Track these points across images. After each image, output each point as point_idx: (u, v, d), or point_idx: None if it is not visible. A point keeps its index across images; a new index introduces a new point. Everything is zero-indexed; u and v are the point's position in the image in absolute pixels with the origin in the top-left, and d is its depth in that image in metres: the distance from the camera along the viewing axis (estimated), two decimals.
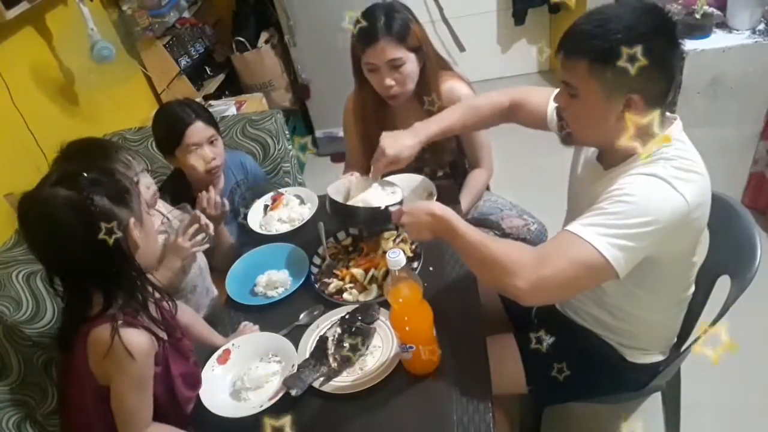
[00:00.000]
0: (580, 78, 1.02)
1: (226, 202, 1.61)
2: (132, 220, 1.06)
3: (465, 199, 1.72)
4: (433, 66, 1.65)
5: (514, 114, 1.44)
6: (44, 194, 1.01)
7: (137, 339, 1.03)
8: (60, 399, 1.30)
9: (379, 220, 1.29)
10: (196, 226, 1.45)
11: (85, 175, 1.02)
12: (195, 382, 1.21)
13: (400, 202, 1.30)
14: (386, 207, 1.25)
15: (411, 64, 1.59)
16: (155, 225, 1.18)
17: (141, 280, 1.10)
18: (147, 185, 1.47)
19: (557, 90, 1.31)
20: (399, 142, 1.40)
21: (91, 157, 1.38)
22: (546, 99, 1.35)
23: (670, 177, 0.99)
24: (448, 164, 1.82)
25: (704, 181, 1.04)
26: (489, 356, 1.17)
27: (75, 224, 1.00)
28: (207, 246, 1.50)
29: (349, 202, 1.40)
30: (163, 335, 1.14)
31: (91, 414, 1.12)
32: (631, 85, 0.98)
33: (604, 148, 1.14)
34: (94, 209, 1.00)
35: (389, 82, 1.58)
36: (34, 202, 1.01)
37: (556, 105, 1.15)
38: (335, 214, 1.38)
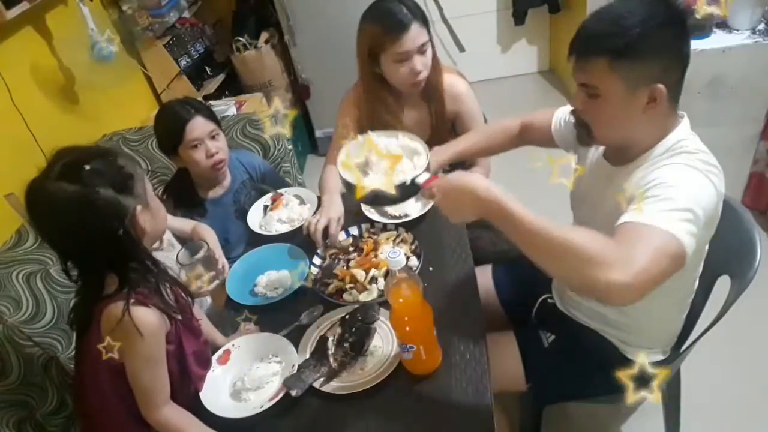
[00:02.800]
0: (600, 77, 1.02)
1: (226, 268, 1.47)
2: (138, 207, 1.07)
3: None
4: (436, 56, 1.68)
5: (524, 137, 1.46)
6: (49, 188, 1.01)
7: (147, 318, 1.06)
8: (75, 382, 1.29)
9: (409, 194, 1.10)
10: (212, 273, 1.38)
11: (87, 167, 1.02)
12: (206, 360, 1.25)
13: (427, 168, 1.10)
14: (412, 180, 1.06)
15: (431, 48, 1.62)
16: (160, 203, 1.17)
17: (151, 264, 1.12)
18: None
19: (559, 109, 1.34)
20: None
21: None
22: (549, 116, 1.37)
23: (703, 169, 1.00)
24: (448, 164, 1.82)
25: (722, 174, 1.05)
26: (489, 354, 1.16)
27: (83, 218, 1.02)
28: (207, 294, 1.45)
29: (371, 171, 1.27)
30: (177, 315, 1.16)
31: (105, 389, 1.15)
32: (653, 76, 1.00)
33: (626, 144, 1.13)
34: (101, 203, 1.01)
35: (419, 66, 1.59)
36: (40, 195, 1.02)
37: (572, 109, 1.14)
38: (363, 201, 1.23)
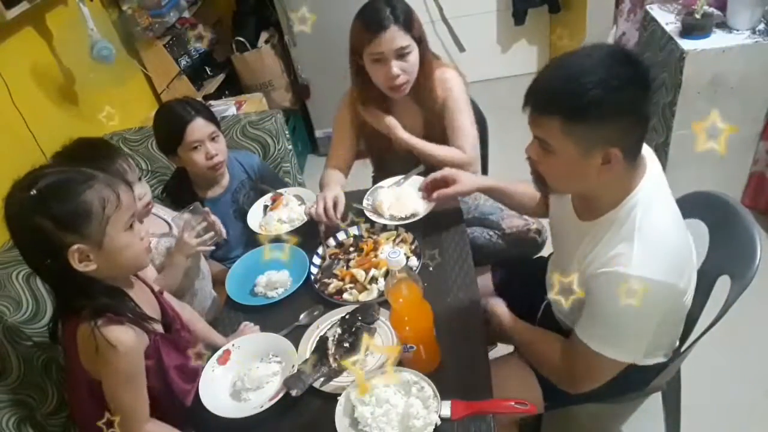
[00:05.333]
0: (553, 136, 0.98)
1: (223, 233, 1.52)
2: (79, 246, 1.00)
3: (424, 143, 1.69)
4: (429, 58, 1.66)
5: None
6: (9, 195, 1.01)
7: (122, 336, 1.03)
8: (65, 394, 1.31)
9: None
10: (204, 223, 1.44)
11: (33, 192, 0.98)
12: (193, 374, 1.21)
13: None
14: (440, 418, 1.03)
15: (415, 54, 1.59)
16: (134, 240, 1.09)
17: (105, 296, 1.06)
18: (140, 195, 1.43)
19: None
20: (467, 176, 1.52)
21: (87, 159, 1.34)
22: None
23: (654, 272, 0.98)
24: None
25: (683, 238, 1.07)
26: (502, 378, 1.16)
27: (16, 233, 1.02)
28: (213, 248, 1.49)
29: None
30: (156, 328, 1.14)
31: (87, 407, 1.14)
32: (608, 139, 0.95)
33: (587, 197, 1.11)
34: (31, 230, 0.98)
35: (396, 70, 1.56)
36: (6, 198, 1.01)
37: (528, 156, 1.10)
38: None
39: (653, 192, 1.05)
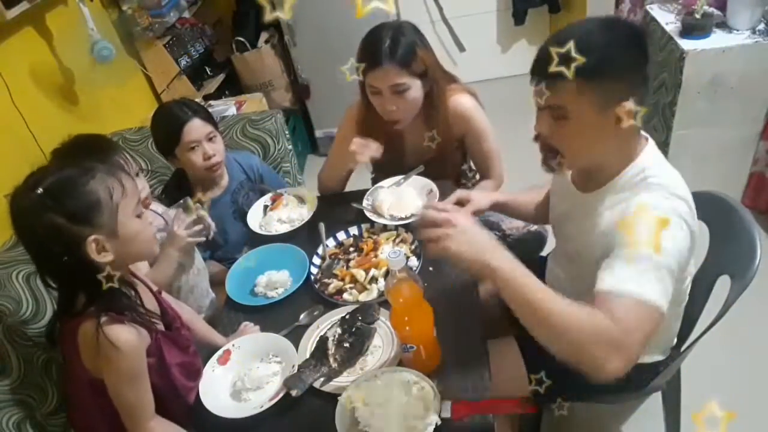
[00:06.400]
0: (569, 99, 1.02)
1: (212, 227, 1.53)
2: (95, 237, 1.01)
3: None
4: (440, 89, 1.61)
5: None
6: (14, 198, 1.01)
7: (123, 335, 1.03)
8: (64, 395, 1.31)
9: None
10: (193, 216, 1.45)
11: (39, 191, 0.98)
12: (195, 372, 1.22)
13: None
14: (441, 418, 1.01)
15: (415, 90, 1.54)
16: (145, 227, 1.12)
17: (116, 287, 1.06)
18: (140, 188, 1.43)
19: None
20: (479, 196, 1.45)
21: (84, 155, 1.34)
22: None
23: (676, 213, 1.01)
24: (454, 176, 1.82)
25: (690, 202, 1.07)
26: (490, 360, 1.16)
27: (27, 235, 1.02)
28: (203, 238, 1.50)
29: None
30: (157, 326, 1.14)
31: (89, 407, 1.14)
32: (621, 95, 1.01)
33: (595, 168, 1.14)
34: (44, 228, 0.98)
35: (391, 107, 1.54)
36: (10, 202, 1.01)
37: (537, 134, 1.12)
38: None
39: (656, 158, 1.11)
